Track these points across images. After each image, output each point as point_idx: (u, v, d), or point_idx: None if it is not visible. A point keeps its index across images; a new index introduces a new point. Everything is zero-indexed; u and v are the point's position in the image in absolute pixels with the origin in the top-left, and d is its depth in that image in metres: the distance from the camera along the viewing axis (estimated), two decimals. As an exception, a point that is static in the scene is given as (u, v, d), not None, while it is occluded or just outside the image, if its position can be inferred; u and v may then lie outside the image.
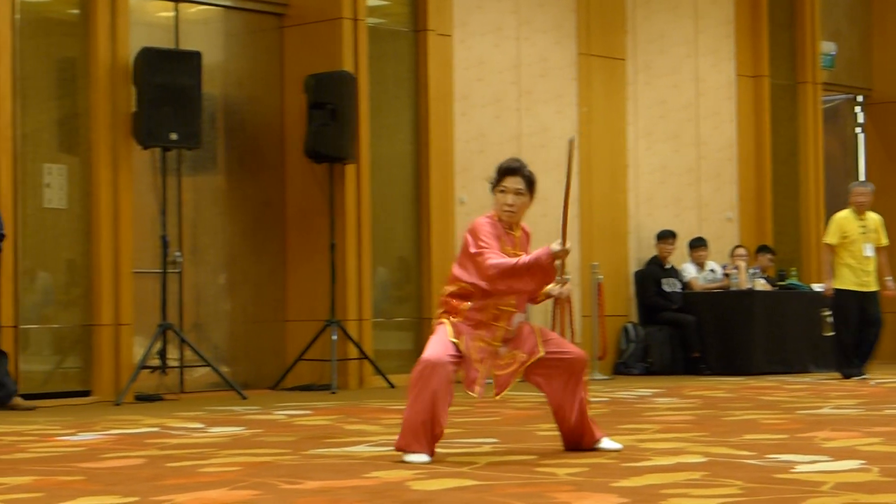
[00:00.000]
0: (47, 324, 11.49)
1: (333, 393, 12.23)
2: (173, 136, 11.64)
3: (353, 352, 12.93)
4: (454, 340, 6.56)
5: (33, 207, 11.37)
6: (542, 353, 6.66)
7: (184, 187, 12.83)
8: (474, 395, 6.57)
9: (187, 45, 12.69)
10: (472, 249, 6.60)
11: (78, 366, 11.66)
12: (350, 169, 13.06)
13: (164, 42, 12.53)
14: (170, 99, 11.61)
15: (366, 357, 12.90)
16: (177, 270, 12.57)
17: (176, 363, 12.37)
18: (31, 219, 11.36)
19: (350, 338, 12.79)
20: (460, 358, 6.55)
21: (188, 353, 12.38)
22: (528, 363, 6.66)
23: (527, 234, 6.90)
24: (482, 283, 6.59)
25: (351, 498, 5.26)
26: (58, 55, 11.59)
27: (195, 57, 11.90)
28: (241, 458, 6.80)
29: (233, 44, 13.38)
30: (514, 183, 6.70)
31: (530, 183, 6.73)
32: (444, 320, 6.67)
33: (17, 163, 11.21)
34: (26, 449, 7.50)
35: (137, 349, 11.89)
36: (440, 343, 6.57)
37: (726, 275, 15.61)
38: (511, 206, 6.69)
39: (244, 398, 11.60)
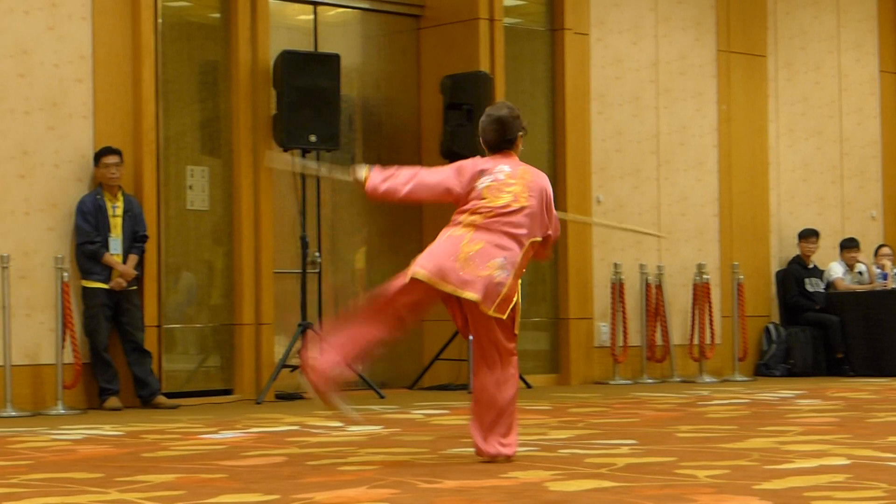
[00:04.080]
0: (190, 323, 11.65)
1: (470, 393, 12.21)
2: (312, 138, 11.74)
3: (490, 352, 12.90)
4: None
5: (176, 209, 11.54)
6: (489, 312, 6.70)
7: (323, 188, 12.94)
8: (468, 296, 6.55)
9: (326, 47, 12.80)
10: None
11: (219, 365, 11.80)
12: (487, 169, 13.05)
13: (303, 45, 12.65)
14: (309, 101, 11.71)
15: (503, 357, 12.85)
16: (316, 270, 12.68)
17: (315, 362, 12.46)
18: (173, 220, 11.52)
19: (488, 338, 12.77)
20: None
21: (327, 353, 12.46)
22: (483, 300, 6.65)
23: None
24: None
25: (489, 498, 5.25)
26: (199, 59, 11.75)
27: (334, 59, 11.98)
28: (380, 456, 6.83)
29: (370, 46, 13.46)
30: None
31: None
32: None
33: (160, 165, 11.38)
34: (169, 447, 7.60)
35: (278, 348, 12.02)
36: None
37: (885, 276, 15.24)
38: None
39: (382, 397, 11.65)
